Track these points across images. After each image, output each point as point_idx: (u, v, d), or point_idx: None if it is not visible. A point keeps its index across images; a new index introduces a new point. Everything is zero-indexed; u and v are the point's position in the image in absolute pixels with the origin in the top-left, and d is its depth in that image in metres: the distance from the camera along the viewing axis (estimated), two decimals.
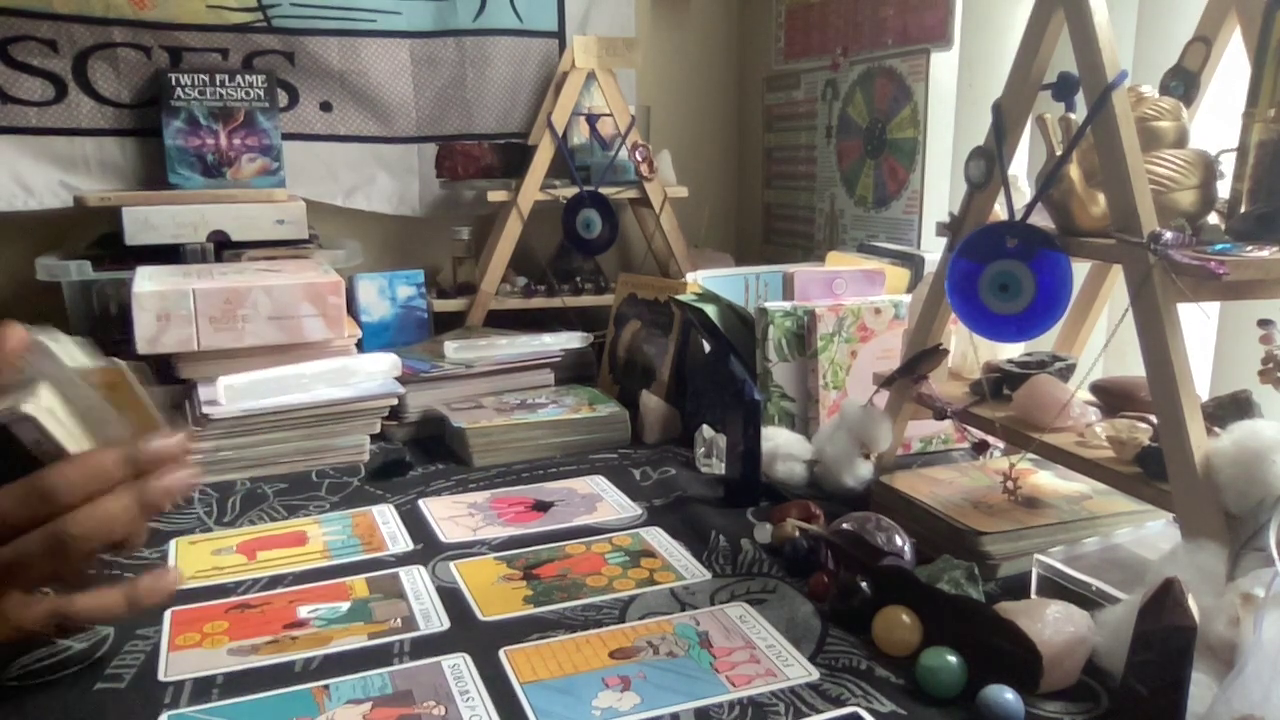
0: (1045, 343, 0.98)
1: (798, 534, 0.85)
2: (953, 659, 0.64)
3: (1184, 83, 0.88)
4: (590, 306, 1.55)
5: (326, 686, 0.66)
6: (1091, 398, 0.89)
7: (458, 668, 0.69)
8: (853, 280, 1.26)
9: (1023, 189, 0.89)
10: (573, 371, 1.39)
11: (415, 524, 0.96)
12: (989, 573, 0.80)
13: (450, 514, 0.98)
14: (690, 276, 1.32)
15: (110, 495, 0.52)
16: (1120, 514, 0.85)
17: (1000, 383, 0.91)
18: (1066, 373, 0.92)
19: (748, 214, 1.93)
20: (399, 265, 1.62)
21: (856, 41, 1.51)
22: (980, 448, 0.96)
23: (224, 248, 1.38)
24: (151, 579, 0.57)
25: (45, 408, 0.57)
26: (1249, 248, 0.70)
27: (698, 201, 1.75)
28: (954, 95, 1.33)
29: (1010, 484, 0.88)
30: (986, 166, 0.85)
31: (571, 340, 1.38)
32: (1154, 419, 0.74)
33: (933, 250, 1.28)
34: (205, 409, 1.06)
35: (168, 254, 1.35)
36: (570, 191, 1.51)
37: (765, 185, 1.85)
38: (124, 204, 1.35)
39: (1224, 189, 0.78)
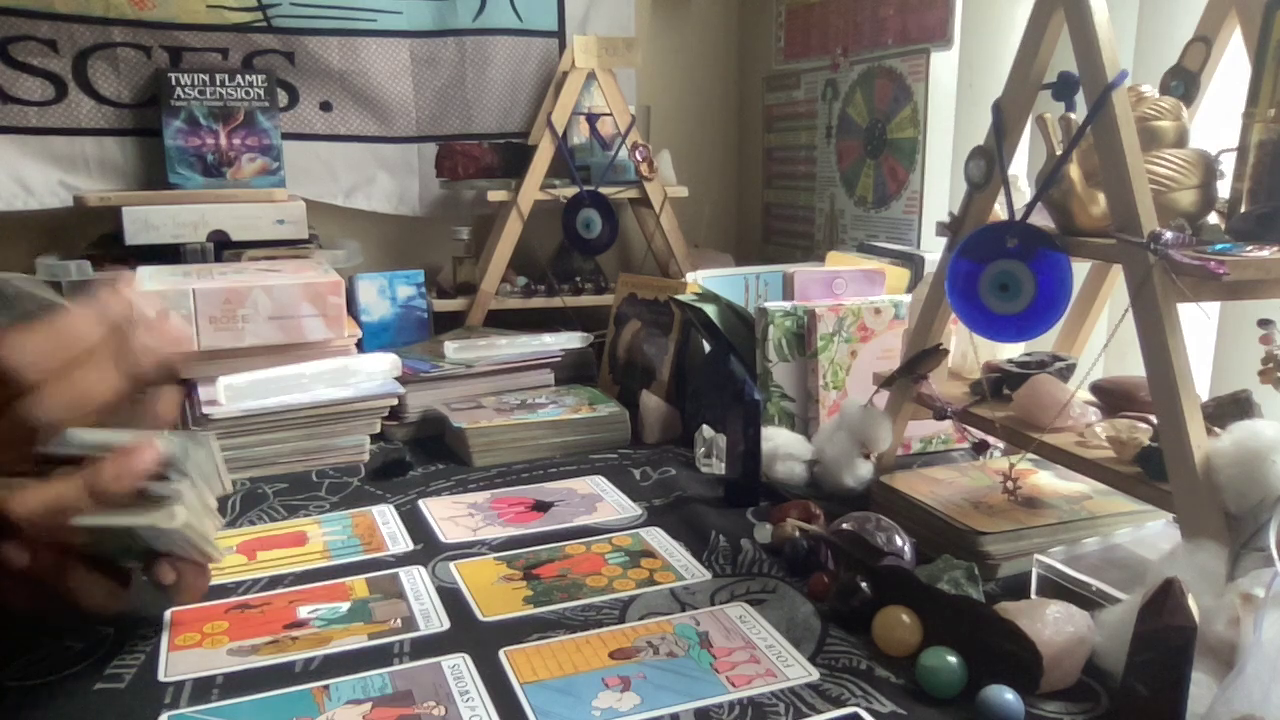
0: (1045, 343, 0.98)
1: (798, 534, 0.85)
2: (953, 659, 0.64)
3: (1184, 83, 0.88)
4: (590, 306, 1.55)
5: (326, 687, 0.66)
6: (1091, 398, 0.89)
7: (458, 668, 0.69)
8: (853, 280, 1.26)
9: (1023, 189, 0.88)
10: (573, 371, 1.39)
11: (415, 524, 0.96)
12: (989, 573, 0.80)
13: (450, 514, 0.98)
14: (690, 276, 1.32)
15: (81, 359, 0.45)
16: (1120, 514, 0.85)
17: (1000, 383, 0.91)
18: (1066, 373, 0.92)
19: (748, 214, 1.93)
20: (399, 265, 1.62)
21: (856, 41, 1.51)
22: (980, 448, 0.95)
23: (224, 247, 1.38)
24: (112, 464, 0.49)
25: (182, 523, 0.62)
26: (1249, 248, 0.70)
27: (698, 201, 1.75)
28: (954, 95, 1.33)
29: (1010, 484, 0.88)
30: (986, 166, 0.85)
31: (571, 340, 1.38)
32: (1154, 419, 0.74)
33: (933, 250, 1.28)
34: (205, 409, 1.06)
35: (168, 254, 1.35)
36: (570, 191, 1.51)
37: (765, 185, 1.85)
38: (124, 204, 1.35)
39: (1224, 189, 0.78)
